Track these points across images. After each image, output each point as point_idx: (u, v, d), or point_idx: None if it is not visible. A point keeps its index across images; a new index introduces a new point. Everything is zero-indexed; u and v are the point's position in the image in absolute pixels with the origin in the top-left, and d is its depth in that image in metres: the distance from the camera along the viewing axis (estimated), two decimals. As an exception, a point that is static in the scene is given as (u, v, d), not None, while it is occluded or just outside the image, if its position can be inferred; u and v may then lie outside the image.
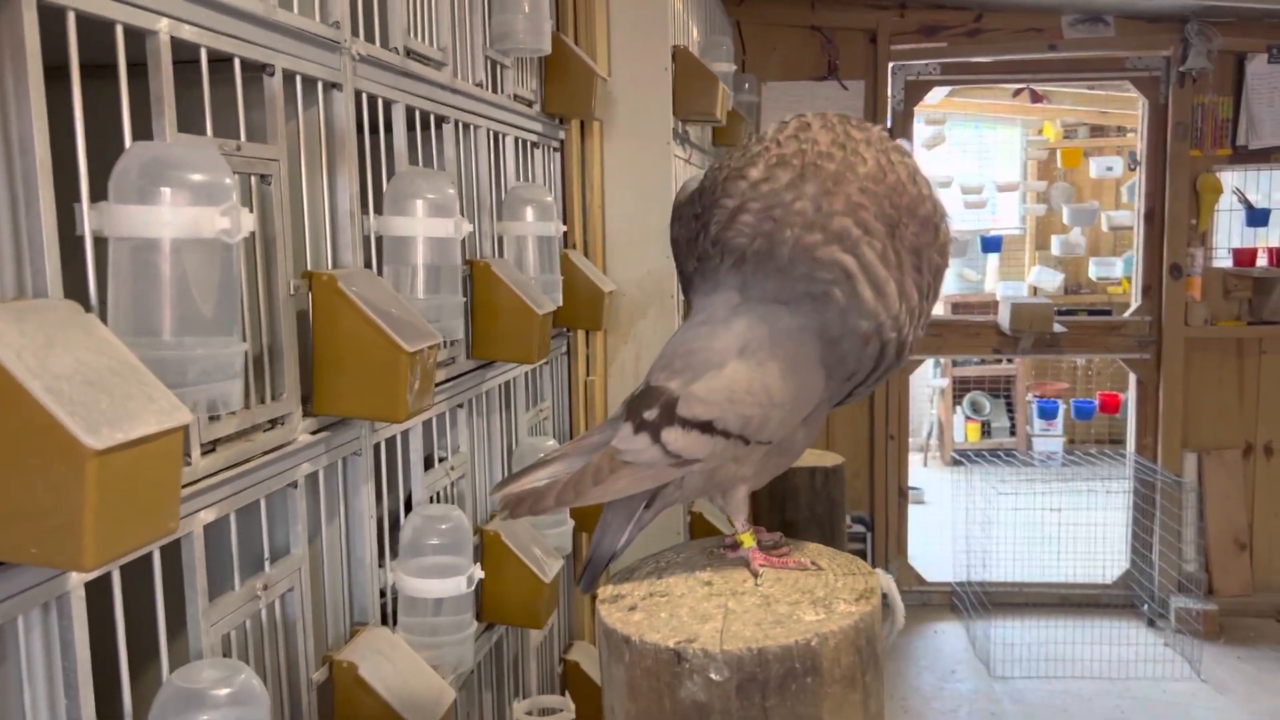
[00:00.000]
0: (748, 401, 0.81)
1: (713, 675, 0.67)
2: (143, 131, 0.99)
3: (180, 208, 0.87)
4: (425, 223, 1.44)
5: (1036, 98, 5.40)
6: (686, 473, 0.85)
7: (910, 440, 7.26)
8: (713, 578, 0.82)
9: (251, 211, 1.10)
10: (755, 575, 0.82)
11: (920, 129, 5.86)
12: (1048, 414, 6.47)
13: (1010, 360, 6.72)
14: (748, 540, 0.85)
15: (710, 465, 0.85)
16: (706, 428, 0.82)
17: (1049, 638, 3.99)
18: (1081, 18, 4.19)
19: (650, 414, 0.83)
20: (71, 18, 0.87)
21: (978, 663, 3.94)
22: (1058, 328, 4.24)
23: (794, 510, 2.39)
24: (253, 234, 1.17)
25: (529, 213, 1.95)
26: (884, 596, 0.81)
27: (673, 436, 0.82)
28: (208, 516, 1.06)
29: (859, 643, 0.71)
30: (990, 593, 4.27)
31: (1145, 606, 4.30)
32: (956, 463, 5.62)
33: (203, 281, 0.90)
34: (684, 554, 0.88)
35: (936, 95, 6.06)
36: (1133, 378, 4.40)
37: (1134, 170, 4.49)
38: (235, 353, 0.93)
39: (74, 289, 0.89)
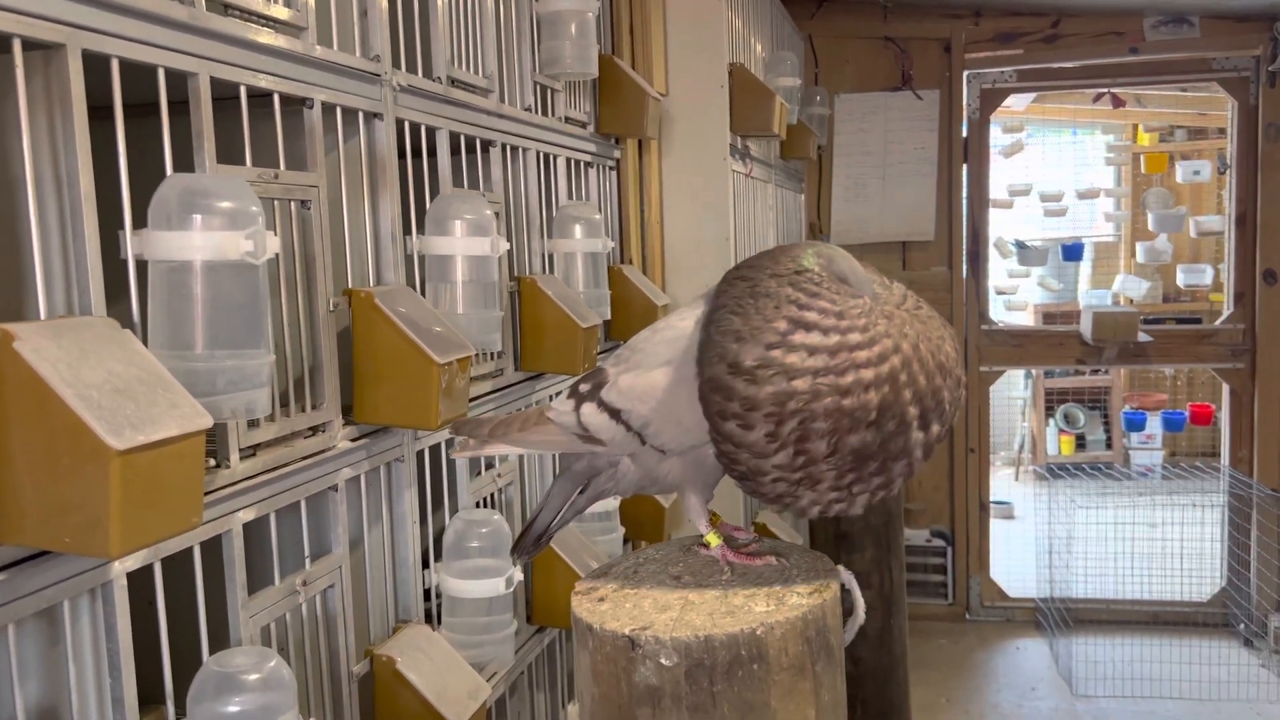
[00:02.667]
0: (652, 406, 0.87)
1: (663, 661, 0.72)
2: (187, 163, 1.09)
3: (209, 233, 0.96)
4: (464, 242, 1.52)
5: (1118, 102, 5.26)
6: (607, 462, 0.93)
7: (1002, 454, 7.15)
8: (683, 573, 0.87)
9: (277, 234, 1.19)
10: (727, 570, 0.86)
11: (997, 136, 5.77)
12: (1135, 425, 6.26)
13: (1105, 371, 6.54)
14: (713, 540, 0.90)
15: (614, 452, 0.93)
16: (615, 415, 0.90)
17: (1136, 656, 3.87)
18: (1164, 19, 4.09)
19: (584, 387, 0.94)
20: (115, 64, 0.97)
21: (1060, 681, 3.85)
22: (1143, 337, 4.13)
23: (848, 521, 2.41)
24: (294, 254, 1.26)
25: (577, 230, 2.02)
26: (847, 593, 0.84)
27: (589, 411, 0.91)
28: (247, 515, 1.15)
29: (808, 633, 0.74)
30: (1074, 609, 4.17)
31: (1242, 626, 4.14)
32: (1041, 477, 5.50)
33: (231, 299, 0.98)
34: (663, 550, 0.93)
35: (1022, 102, 5.97)
36: (1226, 388, 4.25)
37: (1223, 174, 4.34)
38: (262, 364, 1.02)
39: (125, 308, 0.99)
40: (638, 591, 0.83)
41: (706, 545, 0.91)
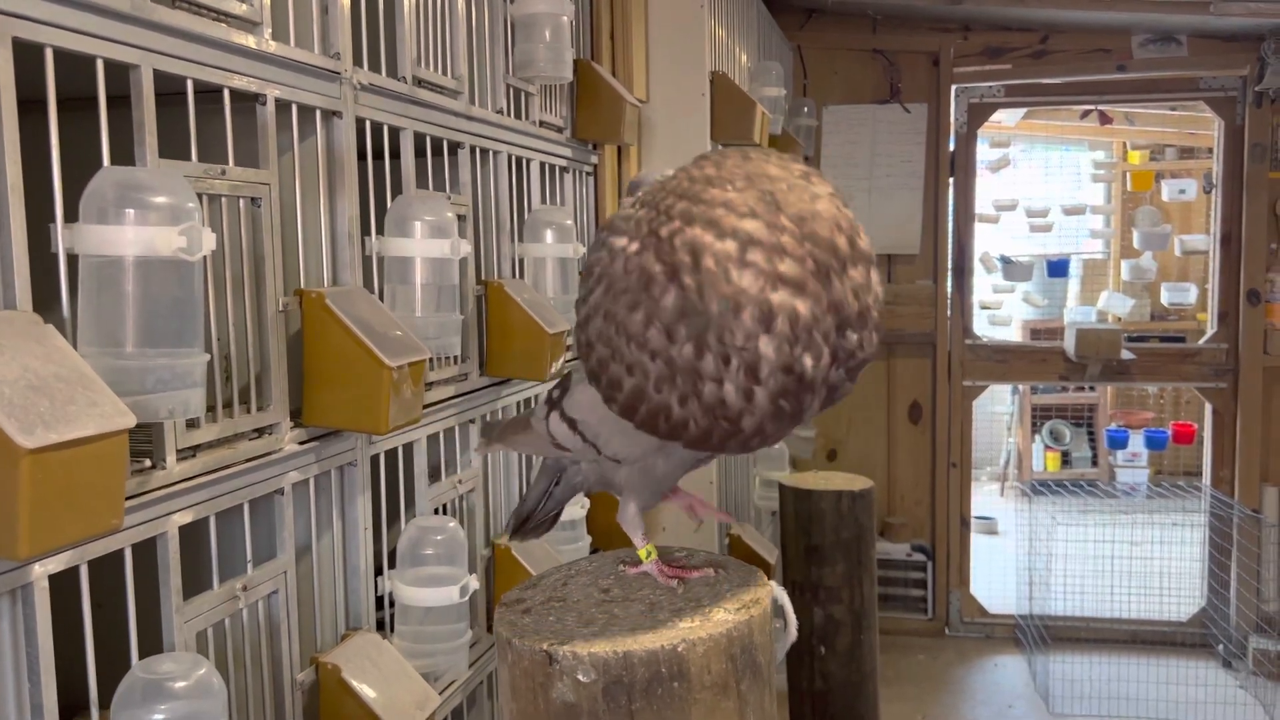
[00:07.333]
0: (600, 416, 0.85)
1: (580, 677, 0.69)
2: (129, 159, 1.06)
3: (141, 227, 0.94)
4: (423, 244, 1.50)
5: (1105, 119, 5.26)
6: (570, 460, 0.97)
7: (988, 469, 7.13)
8: (612, 586, 0.85)
9: (224, 232, 1.17)
10: (674, 587, 0.84)
11: (985, 151, 5.77)
12: (1118, 443, 6.26)
13: (1092, 388, 6.54)
14: (644, 555, 0.88)
15: (578, 458, 0.95)
16: (573, 425, 0.90)
17: (1114, 675, 3.85)
18: (1152, 37, 4.09)
19: (555, 394, 0.94)
20: (49, 53, 0.95)
21: (1037, 698, 3.83)
22: (1126, 355, 4.12)
23: (819, 534, 2.39)
24: (243, 253, 1.24)
25: (548, 235, 2.00)
26: (780, 609, 0.82)
27: (554, 420, 0.93)
28: (183, 518, 1.12)
29: (732, 651, 0.72)
30: (1053, 627, 4.15)
31: (1221, 647, 4.12)
32: (1023, 493, 5.49)
33: (163, 296, 0.96)
34: (596, 563, 0.91)
35: (1012, 117, 5.97)
36: (1208, 407, 4.24)
37: (1209, 193, 4.34)
38: (195, 363, 0.99)
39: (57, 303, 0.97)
40: (564, 604, 0.80)
41: (636, 563, 0.89)
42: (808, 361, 0.70)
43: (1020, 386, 6.49)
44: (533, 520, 1.08)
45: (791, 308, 0.69)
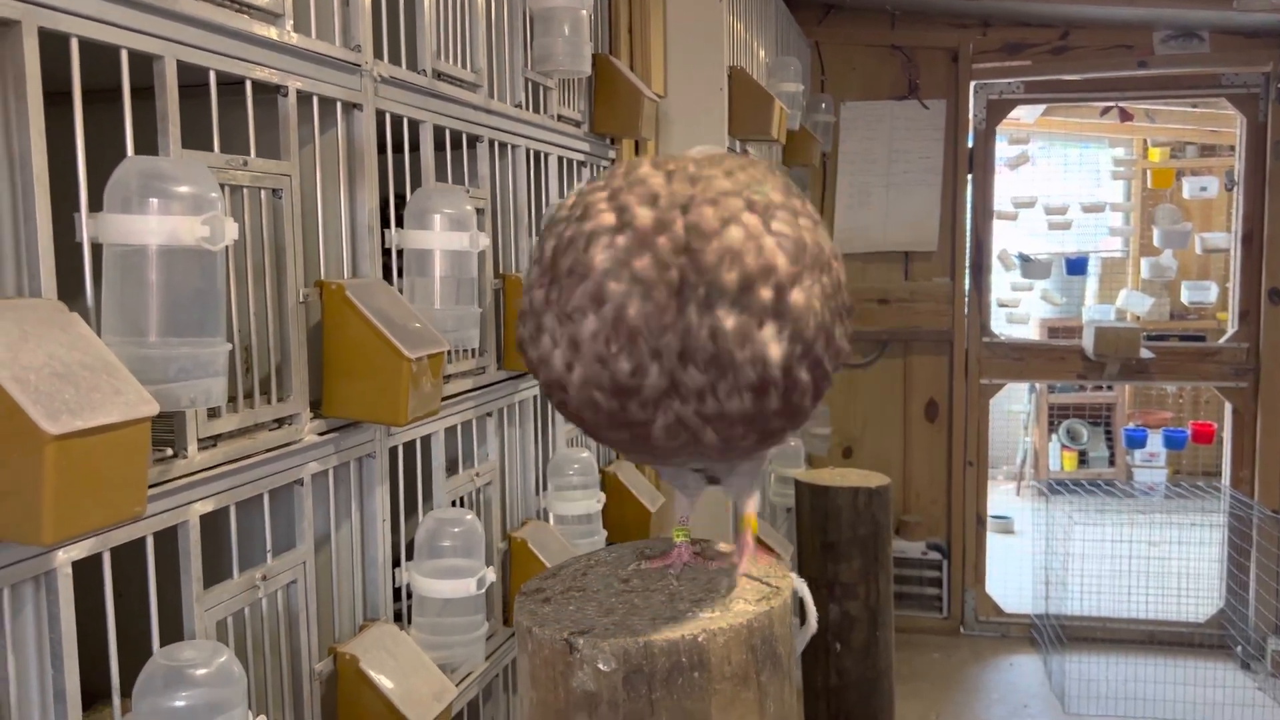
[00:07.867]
0: None
1: (601, 666, 0.69)
2: (152, 149, 1.07)
3: (164, 217, 0.94)
4: (442, 236, 1.50)
5: (1126, 116, 5.23)
6: None
7: (1004, 468, 7.10)
8: (632, 576, 0.85)
9: (246, 222, 1.17)
10: (674, 572, 0.84)
11: (1004, 148, 5.73)
12: (1136, 443, 6.22)
13: (1110, 387, 6.50)
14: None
15: None
16: None
17: (1131, 675, 3.83)
18: (1174, 34, 4.06)
19: None
20: (74, 43, 0.96)
21: (1052, 698, 3.81)
22: (1145, 353, 4.09)
23: (835, 531, 2.38)
24: (264, 243, 1.24)
25: (566, 229, 2.00)
26: (800, 602, 0.82)
27: None
28: (204, 507, 1.13)
29: (752, 642, 0.72)
30: (1070, 626, 4.12)
31: (1239, 648, 4.09)
32: (1040, 492, 5.46)
33: (186, 285, 0.97)
34: (615, 554, 0.91)
35: (1031, 114, 5.94)
36: (1228, 407, 4.21)
37: (1230, 191, 4.31)
38: (217, 352, 1.00)
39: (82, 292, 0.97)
40: (584, 594, 0.80)
41: (656, 555, 0.89)
42: (623, 365, 0.67)
43: (1037, 385, 6.46)
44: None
45: (622, 303, 0.67)
